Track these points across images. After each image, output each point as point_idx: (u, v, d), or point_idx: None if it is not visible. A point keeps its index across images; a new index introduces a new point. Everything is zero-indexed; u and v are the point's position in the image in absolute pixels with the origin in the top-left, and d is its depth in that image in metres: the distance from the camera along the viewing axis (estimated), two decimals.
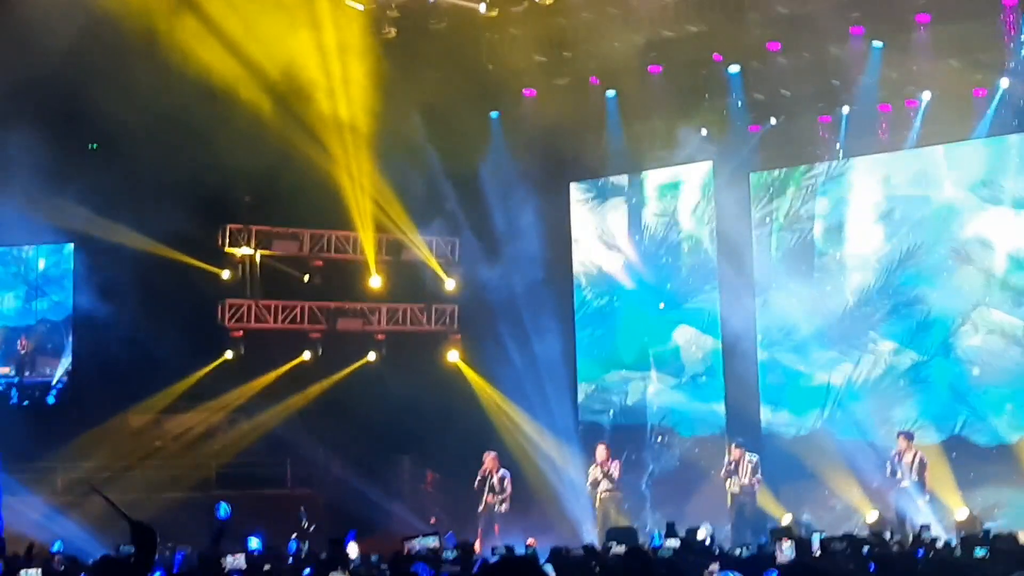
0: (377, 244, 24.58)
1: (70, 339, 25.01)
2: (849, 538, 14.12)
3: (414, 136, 22.75)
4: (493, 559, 13.58)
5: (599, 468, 21.34)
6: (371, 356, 24.95)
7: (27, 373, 25.14)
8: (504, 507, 20.97)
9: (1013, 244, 21.06)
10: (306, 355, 24.56)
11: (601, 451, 21.59)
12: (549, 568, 10.51)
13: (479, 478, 21.13)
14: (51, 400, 24.94)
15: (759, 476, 20.55)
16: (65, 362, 24.93)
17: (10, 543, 17.63)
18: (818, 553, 13.27)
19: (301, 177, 21.80)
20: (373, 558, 15.12)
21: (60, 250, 25.26)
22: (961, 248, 21.54)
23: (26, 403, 24.93)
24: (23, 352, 25.21)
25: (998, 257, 21.23)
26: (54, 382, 24.95)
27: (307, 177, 21.79)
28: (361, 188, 22.86)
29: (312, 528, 19.96)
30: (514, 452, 22.51)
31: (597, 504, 21.25)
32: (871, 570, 10.67)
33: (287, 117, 21.19)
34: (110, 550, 14.36)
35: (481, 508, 21.07)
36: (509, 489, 21.11)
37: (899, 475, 19.44)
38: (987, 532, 15.25)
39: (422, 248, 24.73)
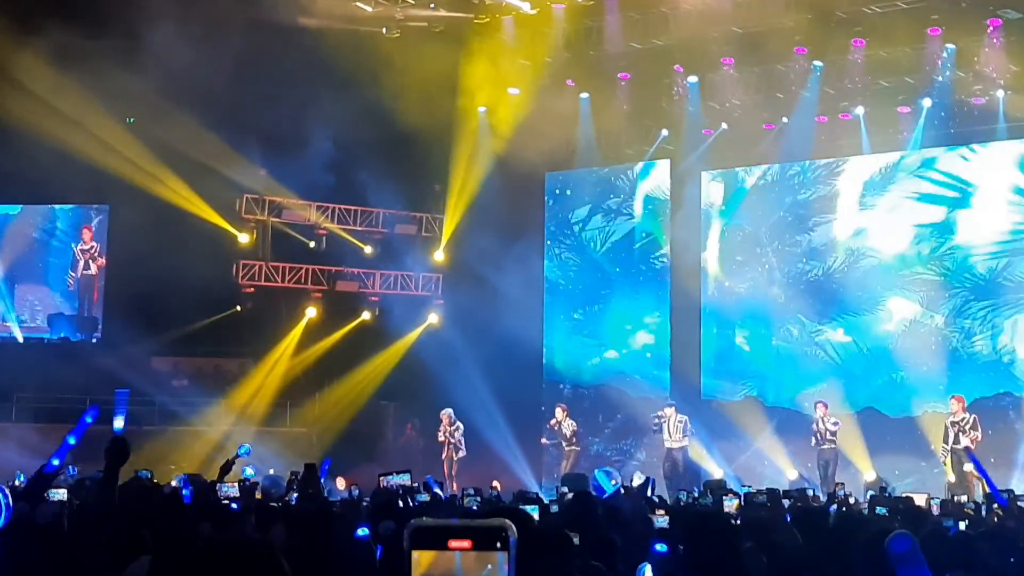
0: (372, 218, 24.44)
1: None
2: (770, 491, 14.02)
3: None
4: (461, 500, 13.49)
5: (556, 425, 21.30)
6: (366, 315, 24.74)
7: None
8: (460, 455, 20.99)
9: (916, 245, 21.10)
10: (311, 312, 24.27)
11: (559, 412, 21.50)
12: (533, 510, 10.39)
13: (440, 432, 21.20)
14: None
15: (689, 434, 20.33)
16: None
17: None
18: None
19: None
20: (355, 492, 15.02)
21: (96, 208, 25.49)
22: (877, 244, 21.52)
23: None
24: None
25: (907, 253, 21.21)
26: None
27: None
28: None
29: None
30: (478, 409, 22.09)
31: (565, 456, 21.15)
32: (787, 520, 10.54)
33: None
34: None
35: (444, 455, 21.10)
36: (463, 440, 21.09)
37: (818, 439, 19.37)
38: (889, 493, 15.19)
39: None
